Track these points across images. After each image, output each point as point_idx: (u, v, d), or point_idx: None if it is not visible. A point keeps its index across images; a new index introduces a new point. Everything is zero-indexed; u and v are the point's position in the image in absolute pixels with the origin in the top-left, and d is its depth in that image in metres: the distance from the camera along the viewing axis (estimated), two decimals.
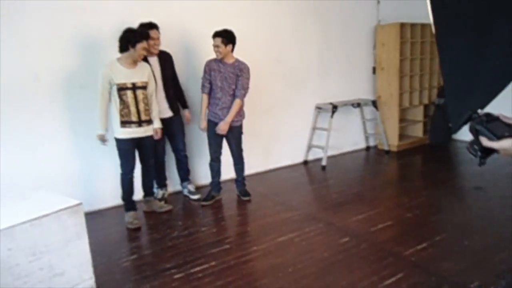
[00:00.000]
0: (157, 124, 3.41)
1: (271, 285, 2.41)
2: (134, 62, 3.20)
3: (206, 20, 3.96)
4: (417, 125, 5.85)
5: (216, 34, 3.45)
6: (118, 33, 3.15)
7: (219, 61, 3.54)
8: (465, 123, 1.03)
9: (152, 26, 3.46)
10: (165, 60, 3.64)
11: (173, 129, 3.76)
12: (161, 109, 3.59)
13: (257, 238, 3.08)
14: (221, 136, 3.71)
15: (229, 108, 3.56)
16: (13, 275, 1.97)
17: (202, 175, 4.17)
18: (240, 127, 3.70)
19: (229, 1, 4.19)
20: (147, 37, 3.23)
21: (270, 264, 2.66)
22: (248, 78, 3.57)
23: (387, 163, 5.21)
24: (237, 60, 3.58)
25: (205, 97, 3.63)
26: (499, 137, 0.97)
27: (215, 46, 3.46)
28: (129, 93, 3.16)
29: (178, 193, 4.06)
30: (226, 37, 3.44)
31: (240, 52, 3.77)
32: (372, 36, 5.55)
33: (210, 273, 2.57)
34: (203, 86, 3.62)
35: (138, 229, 3.30)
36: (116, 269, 2.69)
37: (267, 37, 4.57)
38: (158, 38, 3.52)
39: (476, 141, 0.99)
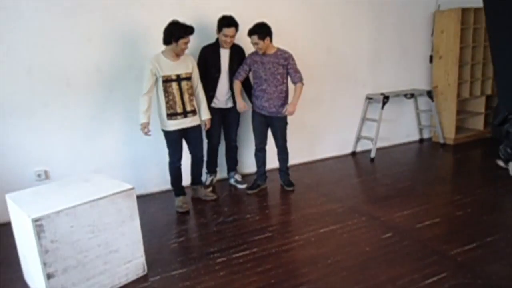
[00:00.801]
0: (205, 116, 3.52)
1: (310, 275, 2.47)
2: (177, 55, 3.27)
3: (254, 9, 3.98)
4: (478, 117, 5.49)
5: (251, 32, 3.46)
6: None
7: (261, 53, 3.57)
8: (501, 124, 0.99)
9: (230, 24, 3.48)
10: (236, 53, 3.71)
11: (230, 119, 3.88)
12: (222, 99, 3.74)
13: (299, 228, 3.13)
14: (266, 127, 3.78)
15: (275, 98, 3.61)
16: (75, 249, 2.21)
17: (248, 164, 4.28)
18: (285, 118, 3.72)
19: None
20: (191, 32, 3.20)
21: (310, 254, 2.71)
22: (295, 63, 3.60)
23: (441, 157, 4.97)
24: (278, 49, 3.59)
25: (238, 82, 3.68)
26: None
27: (254, 44, 3.48)
28: (174, 85, 3.24)
29: (225, 180, 4.21)
30: (261, 32, 3.43)
31: (289, 42, 3.78)
32: (430, 23, 5.26)
33: (251, 259, 2.68)
34: (238, 73, 3.67)
35: (186, 213, 3.48)
36: (165, 249, 2.88)
37: (317, 25, 4.50)
38: (232, 36, 3.54)
39: (509, 143, 0.96)
